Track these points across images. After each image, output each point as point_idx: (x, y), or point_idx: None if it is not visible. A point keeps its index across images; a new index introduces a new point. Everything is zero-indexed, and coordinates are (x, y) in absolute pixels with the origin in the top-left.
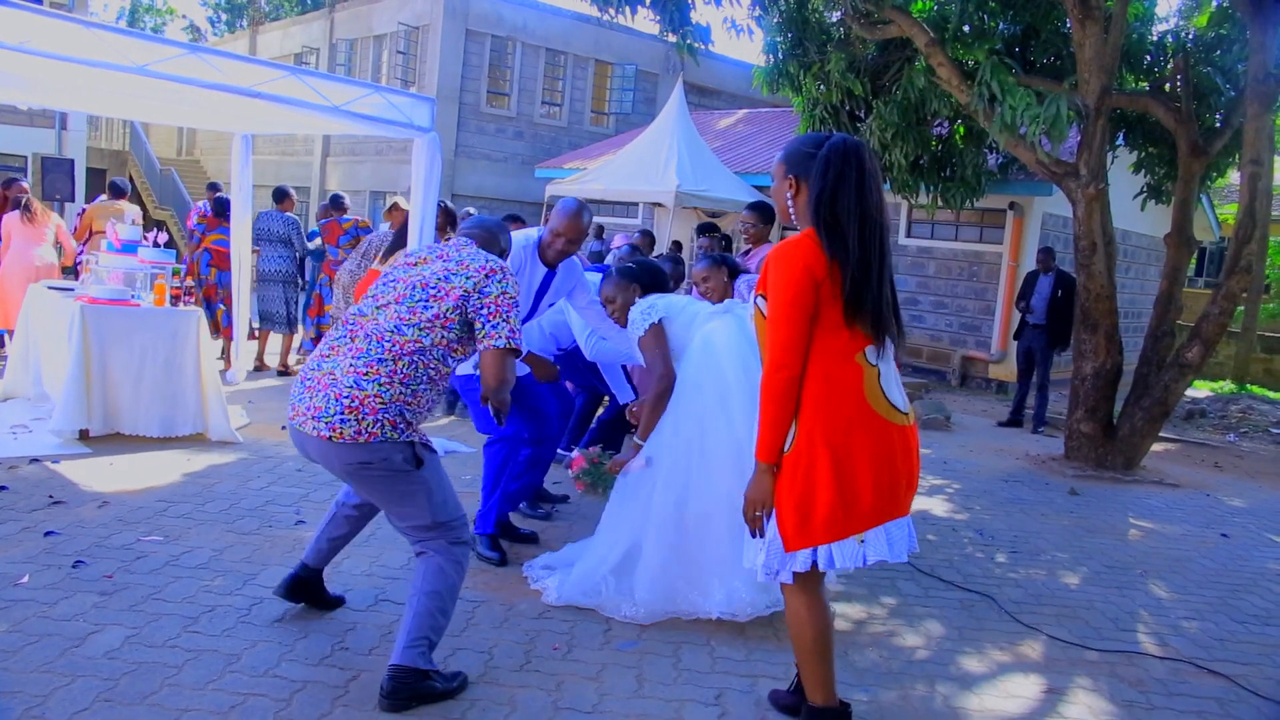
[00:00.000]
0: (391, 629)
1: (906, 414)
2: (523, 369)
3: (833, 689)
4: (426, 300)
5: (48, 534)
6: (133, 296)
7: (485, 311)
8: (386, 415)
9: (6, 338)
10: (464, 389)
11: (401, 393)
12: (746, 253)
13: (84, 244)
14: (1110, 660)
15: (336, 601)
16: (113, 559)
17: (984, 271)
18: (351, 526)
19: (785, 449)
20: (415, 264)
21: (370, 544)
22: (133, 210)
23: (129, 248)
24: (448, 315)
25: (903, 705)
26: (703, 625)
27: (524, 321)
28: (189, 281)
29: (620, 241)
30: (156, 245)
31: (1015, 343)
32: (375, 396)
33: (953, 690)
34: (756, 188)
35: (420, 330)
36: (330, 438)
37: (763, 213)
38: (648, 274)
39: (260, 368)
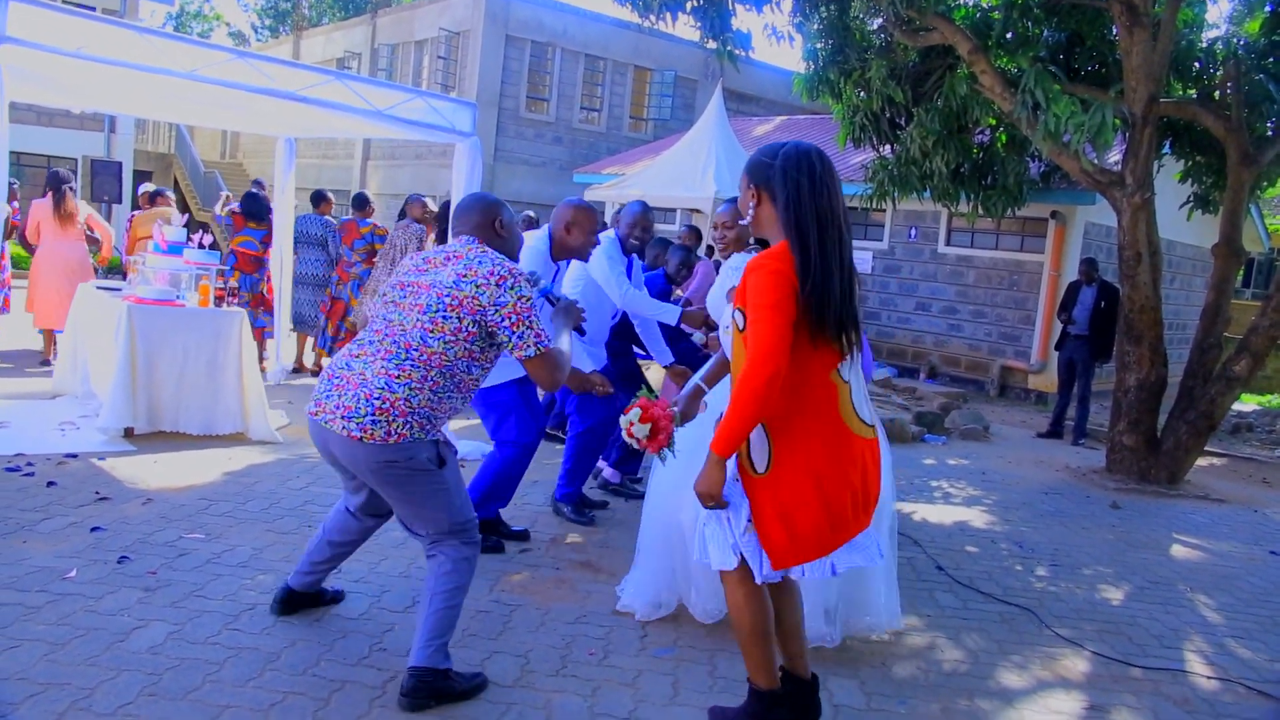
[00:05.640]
0: None
1: (872, 426)
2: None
3: (774, 672)
4: (445, 310)
5: (94, 529)
6: (178, 297)
7: (506, 323)
8: (415, 418)
9: (46, 336)
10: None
11: (430, 399)
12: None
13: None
14: (1155, 678)
15: (336, 597)
16: (156, 555)
17: (1024, 281)
18: (334, 552)
19: (762, 470)
20: (427, 269)
21: (407, 546)
22: (172, 210)
23: (174, 249)
24: (469, 329)
25: (942, 719)
26: None
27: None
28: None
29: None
30: (201, 247)
31: (1056, 353)
32: (405, 400)
33: (993, 705)
34: None
35: (445, 344)
36: (360, 438)
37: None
38: None
39: (299, 369)
